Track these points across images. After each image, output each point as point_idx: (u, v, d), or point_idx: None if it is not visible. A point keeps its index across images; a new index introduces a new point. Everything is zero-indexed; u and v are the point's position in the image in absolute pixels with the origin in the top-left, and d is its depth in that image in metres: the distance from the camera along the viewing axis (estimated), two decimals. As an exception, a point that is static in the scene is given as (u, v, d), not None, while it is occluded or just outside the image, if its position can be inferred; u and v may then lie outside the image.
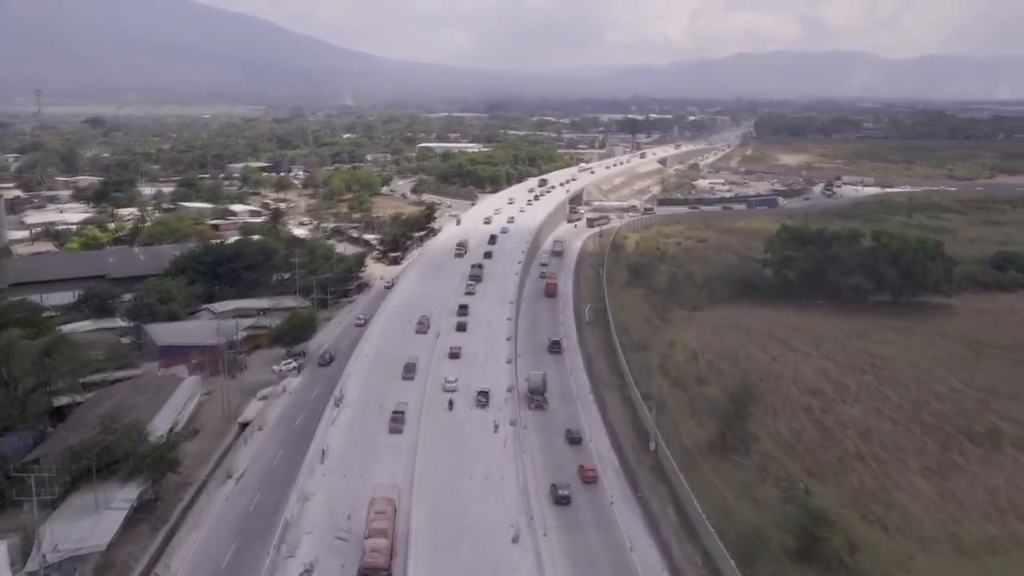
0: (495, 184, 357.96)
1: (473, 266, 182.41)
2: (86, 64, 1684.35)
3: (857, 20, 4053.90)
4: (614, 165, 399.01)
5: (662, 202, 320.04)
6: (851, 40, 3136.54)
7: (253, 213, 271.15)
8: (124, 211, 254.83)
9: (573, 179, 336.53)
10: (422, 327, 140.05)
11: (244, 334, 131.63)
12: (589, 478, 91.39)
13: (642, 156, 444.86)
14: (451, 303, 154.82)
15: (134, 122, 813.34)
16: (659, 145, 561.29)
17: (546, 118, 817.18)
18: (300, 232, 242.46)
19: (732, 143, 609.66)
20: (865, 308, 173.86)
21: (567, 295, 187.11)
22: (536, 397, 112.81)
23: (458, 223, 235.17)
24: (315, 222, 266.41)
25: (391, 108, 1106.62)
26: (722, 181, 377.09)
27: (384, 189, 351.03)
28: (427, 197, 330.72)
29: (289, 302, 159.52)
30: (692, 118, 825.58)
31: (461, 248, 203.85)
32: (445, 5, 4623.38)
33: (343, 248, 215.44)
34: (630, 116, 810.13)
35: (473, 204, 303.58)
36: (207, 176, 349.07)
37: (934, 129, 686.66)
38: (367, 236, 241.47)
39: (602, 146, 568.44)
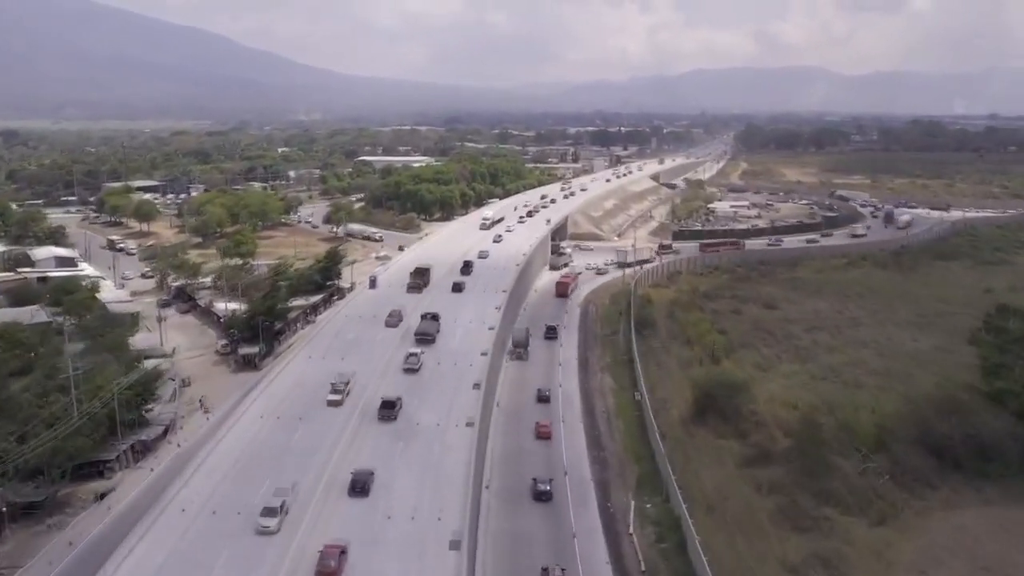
0: (446, 208, 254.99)
1: (383, 406, 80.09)
2: (28, 77, 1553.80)
3: (812, 37, 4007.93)
4: (601, 182, 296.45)
5: (679, 234, 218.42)
6: (806, 56, 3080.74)
7: (62, 261, 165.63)
8: None
9: (551, 201, 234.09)
10: None
11: None
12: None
13: (628, 172, 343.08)
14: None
15: (64, 136, 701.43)
16: (640, 159, 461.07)
17: (509, 131, 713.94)
18: (122, 300, 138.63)
19: (719, 156, 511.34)
20: None
21: (578, 466, 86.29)
22: None
23: (371, 285, 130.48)
24: (160, 275, 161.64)
25: (345, 122, 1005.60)
26: (745, 204, 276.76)
27: (294, 216, 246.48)
28: (351, 229, 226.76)
29: None
30: (668, 130, 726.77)
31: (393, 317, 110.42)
32: (404, 21, 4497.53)
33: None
34: (602, 128, 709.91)
35: (418, 237, 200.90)
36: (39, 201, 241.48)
37: (936, 140, 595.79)
38: (230, 305, 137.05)
39: (576, 159, 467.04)
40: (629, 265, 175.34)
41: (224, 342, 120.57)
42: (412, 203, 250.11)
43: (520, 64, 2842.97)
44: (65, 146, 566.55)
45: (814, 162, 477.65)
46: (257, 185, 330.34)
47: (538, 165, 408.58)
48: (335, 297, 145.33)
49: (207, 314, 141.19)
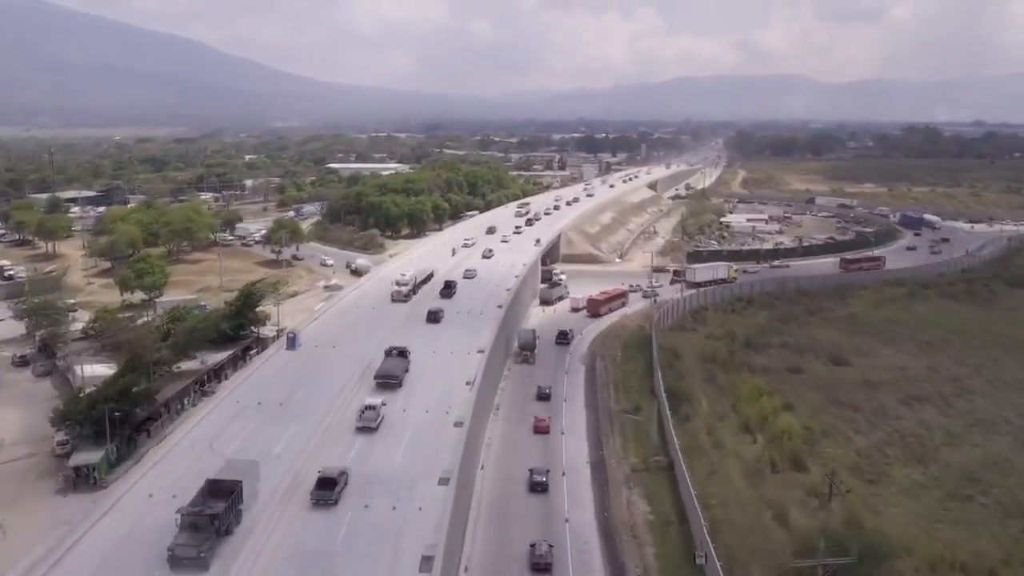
0: (416, 223, 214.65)
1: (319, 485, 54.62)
2: (2, 84, 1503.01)
3: (794, 45, 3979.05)
4: (591, 193, 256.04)
5: (694, 256, 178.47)
6: (788, 64, 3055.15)
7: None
8: None
9: (533, 218, 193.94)
10: None
11: None
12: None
13: (625, 180, 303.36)
14: None
15: (28, 144, 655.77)
16: (631, 166, 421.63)
17: (491, 137, 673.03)
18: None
19: (715, 163, 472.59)
20: None
21: None
22: None
23: (289, 345, 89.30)
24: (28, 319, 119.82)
25: (325, 130, 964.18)
26: (763, 217, 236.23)
27: (236, 233, 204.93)
28: (302, 250, 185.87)
29: None
30: (657, 136, 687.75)
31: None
32: (387, 29, 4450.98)
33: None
34: (589, 134, 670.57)
35: (379, 258, 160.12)
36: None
37: (937, 147, 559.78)
38: (96, 370, 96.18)
39: (562, 167, 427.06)
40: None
41: (61, 438, 79.20)
42: (376, 217, 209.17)
43: (503, 72, 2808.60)
44: (23, 154, 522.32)
45: (816, 169, 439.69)
46: (205, 196, 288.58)
47: (522, 173, 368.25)
48: (252, 352, 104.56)
49: (67, 382, 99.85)
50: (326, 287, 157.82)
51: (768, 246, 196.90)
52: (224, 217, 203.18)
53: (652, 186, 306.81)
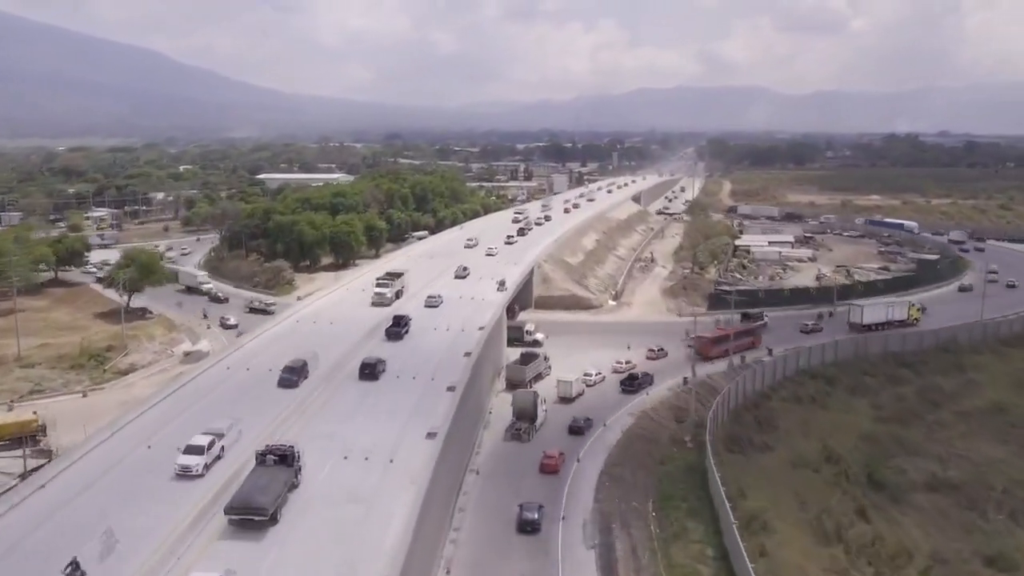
0: (344, 250, 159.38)
1: None
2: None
3: (754, 57, 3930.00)
4: (571, 207, 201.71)
5: (716, 298, 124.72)
6: (749, 76, 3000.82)
7: None
8: None
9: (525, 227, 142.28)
10: None
11: None
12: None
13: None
14: None
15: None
16: (604, 176, 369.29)
17: (451, 146, 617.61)
18: None
19: (694, 172, 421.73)
20: None
21: None
22: None
23: None
24: None
25: (283, 140, 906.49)
26: (788, 239, 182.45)
27: (84, 268, 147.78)
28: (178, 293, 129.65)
29: None
30: (628, 144, 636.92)
31: None
32: (348, 40, 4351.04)
33: None
34: (554, 142, 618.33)
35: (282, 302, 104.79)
36: None
37: (926, 156, 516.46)
38: None
39: (528, 177, 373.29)
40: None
41: None
42: (286, 243, 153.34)
43: (465, 84, 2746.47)
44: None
45: (805, 179, 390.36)
46: (99, 212, 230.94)
47: (483, 184, 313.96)
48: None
49: None
50: (187, 354, 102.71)
51: (806, 280, 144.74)
52: (67, 246, 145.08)
53: (636, 199, 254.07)
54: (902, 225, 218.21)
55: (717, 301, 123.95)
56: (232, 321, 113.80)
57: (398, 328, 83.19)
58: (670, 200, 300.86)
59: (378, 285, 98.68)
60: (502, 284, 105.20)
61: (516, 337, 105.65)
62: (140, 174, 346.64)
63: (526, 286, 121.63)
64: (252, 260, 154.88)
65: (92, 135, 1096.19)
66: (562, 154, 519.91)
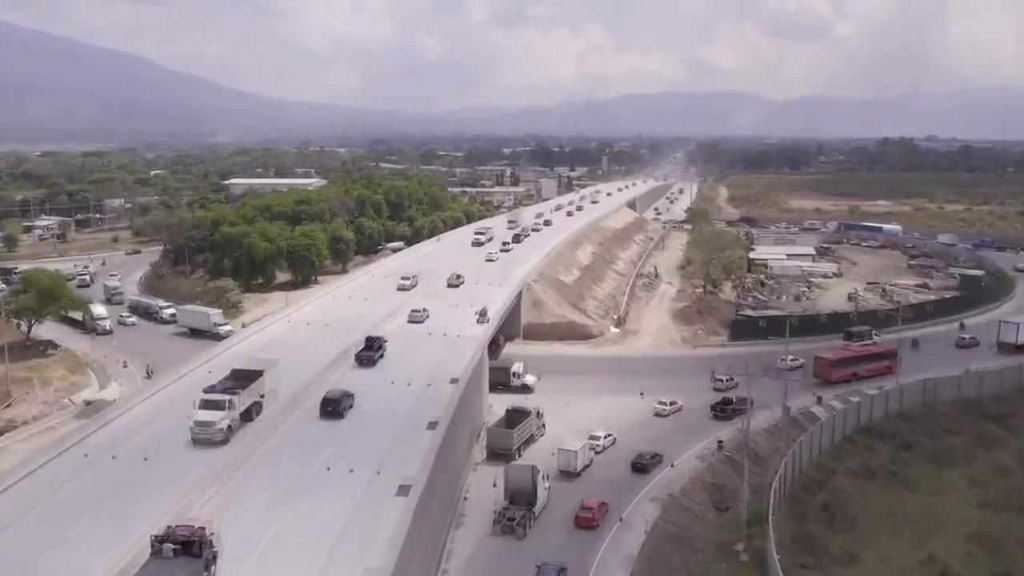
0: (302, 266, 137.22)
1: None
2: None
3: (740, 62, 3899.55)
4: (559, 213, 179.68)
5: (742, 326, 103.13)
6: (734, 81, 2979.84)
7: None
8: None
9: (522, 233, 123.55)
10: None
11: None
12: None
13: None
14: None
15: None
16: (596, 181, 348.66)
17: (435, 150, 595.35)
18: None
19: (687, 177, 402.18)
20: None
21: None
22: None
23: None
24: None
25: (266, 144, 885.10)
26: (808, 251, 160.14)
27: None
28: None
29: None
30: (618, 148, 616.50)
31: None
32: (334, 45, 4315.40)
33: None
34: (542, 146, 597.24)
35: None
36: None
37: (924, 160, 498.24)
38: None
39: (515, 182, 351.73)
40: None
41: None
42: (236, 257, 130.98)
43: (451, 89, 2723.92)
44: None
45: (803, 184, 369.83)
46: (47, 221, 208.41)
47: (466, 190, 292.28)
48: None
49: None
50: (87, 403, 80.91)
51: (837, 300, 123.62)
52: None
53: (631, 205, 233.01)
54: (881, 228, 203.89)
55: (741, 329, 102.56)
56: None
57: (370, 353, 68.93)
58: (669, 203, 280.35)
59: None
60: (483, 315, 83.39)
61: (501, 381, 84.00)
62: (105, 179, 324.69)
63: (513, 312, 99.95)
64: (197, 278, 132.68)
65: (73, 140, 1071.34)
66: (550, 158, 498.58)
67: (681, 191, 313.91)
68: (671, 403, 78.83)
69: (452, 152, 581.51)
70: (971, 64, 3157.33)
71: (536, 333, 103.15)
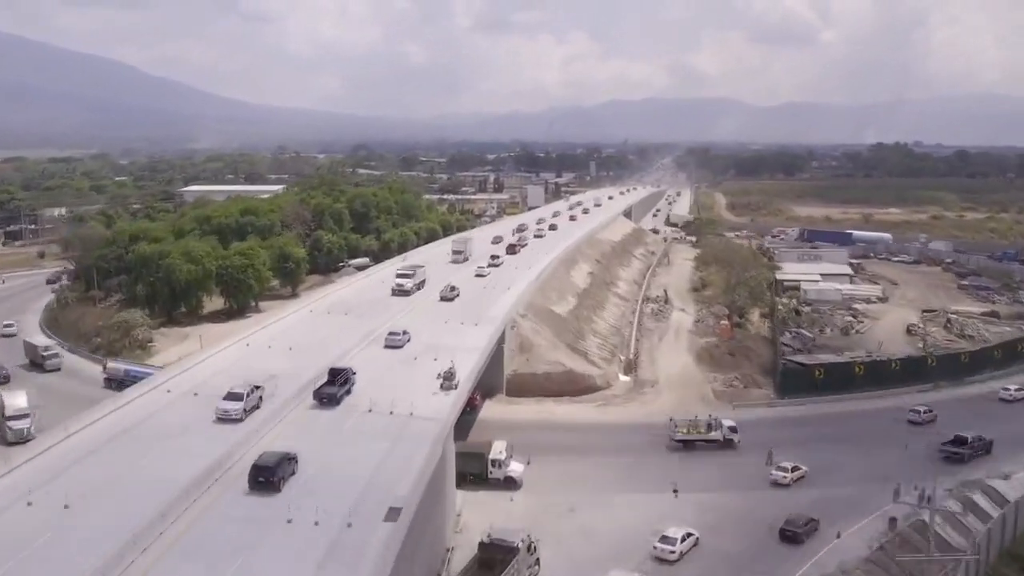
0: (238, 291, 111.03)
1: None
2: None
3: (725, 68, 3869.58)
4: (548, 227, 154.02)
5: (794, 374, 77.90)
6: (720, 87, 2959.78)
7: None
8: None
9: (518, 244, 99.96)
10: None
11: None
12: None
13: (584, 208, 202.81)
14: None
15: None
16: (585, 187, 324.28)
17: (417, 156, 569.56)
18: None
19: (678, 183, 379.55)
20: None
21: None
22: None
23: None
24: None
25: (246, 150, 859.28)
26: (843, 270, 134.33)
27: None
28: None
29: None
30: (607, 154, 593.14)
31: None
32: (319, 51, 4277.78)
33: None
34: (529, 150, 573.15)
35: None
36: None
37: (922, 165, 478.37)
38: None
39: (499, 188, 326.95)
40: None
41: None
42: (152, 282, 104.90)
43: (436, 95, 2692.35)
44: None
45: (804, 190, 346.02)
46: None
47: (445, 197, 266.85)
48: None
49: None
50: None
51: (892, 333, 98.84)
52: None
53: (627, 214, 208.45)
54: (851, 235, 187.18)
55: (792, 380, 77.58)
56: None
57: (333, 388, 53.31)
58: (667, 209, 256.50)
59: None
60: (448, 379, 57.72)
61: (474, 471, 58.83)
62: (59, 186, 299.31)
63: (495, 359, 74.67)
64: (105, 307, 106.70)
65: (51, 146, 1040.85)
66: (535, 163, 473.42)
67: (677, 195, 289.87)
68: (685, 536, 51.50)
69: (435, 158, 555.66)
70: (955, 70, 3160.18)
71: (524, 387, 77.97)
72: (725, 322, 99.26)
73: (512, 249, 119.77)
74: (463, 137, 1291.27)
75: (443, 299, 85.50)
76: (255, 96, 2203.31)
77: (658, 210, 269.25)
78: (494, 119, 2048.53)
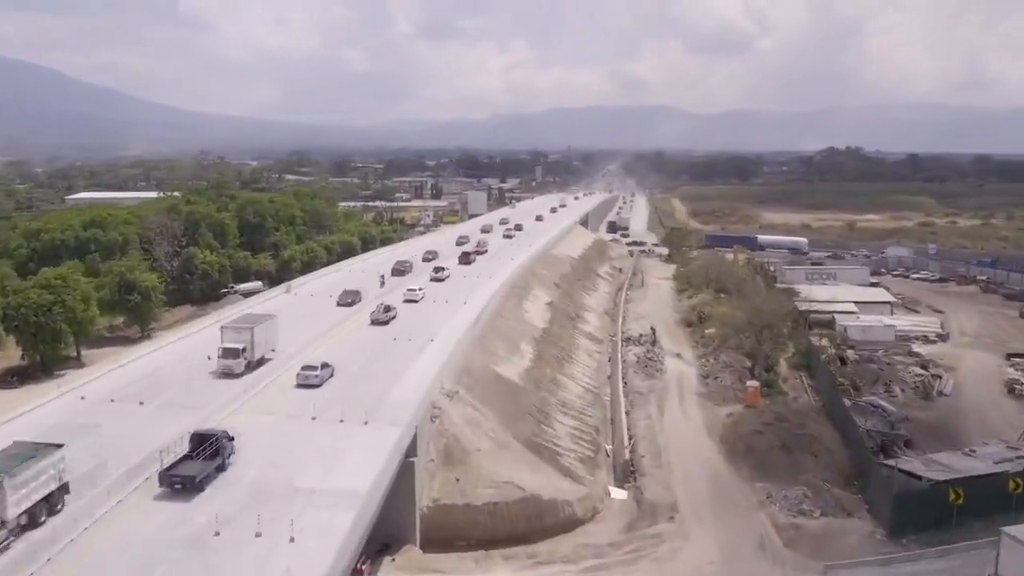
0: (45, 339, 74.36)
1: None
2: None
3: (664, 76, 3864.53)
4: (500, 233, 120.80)
5: (902, 506, 45.04)
6: (659, 95, 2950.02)
7: None
8: None
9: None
10: None
11: None
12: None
13: (538, 217, 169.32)
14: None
15: None
16: (531, 193, 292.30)
17: (353, 162, 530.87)
18: None
19: (625, 188, 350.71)
20: None
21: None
22: None
23: None
24: None
25: (177, 157, 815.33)
26: (884, 297, 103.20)
27: None
28: None
29: None
30: (553, 159, 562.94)
31: None
32: (257, 58, 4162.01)
33: None
34: (469, 155, 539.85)
35: None
36: None
37: (878, 169, 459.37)
38: None
39: (437, 195, 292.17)
40: None
41: None
42: None
43: (377, 102, 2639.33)
44: None
45: (766, 196, 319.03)
46: None
47: (370, 204, 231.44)
48: None
49: None
50: None
51: (986, 394, 67.40)
52: None
53: (583, 223, 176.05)
54: (755, 240, 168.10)
55: (908, 508, 44.85)
56: None
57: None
58: (615, 216, 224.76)
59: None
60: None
61: None
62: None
63: (399, 486, 40.63)
64: None
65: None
66: (478, 168, 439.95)
67: (632, 195, 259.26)
68: None
69: (372, 164, 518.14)
70: (887, 79, 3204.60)
71: (452, 529, 43.88)
72: (753, 383, 66.46)
73: (467, 258, 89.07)
74: (405, 144, 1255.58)
75: (301, 385, 50.52)
76: (190, 103, 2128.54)
77: (624, 210, 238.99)
78: (437, 126, 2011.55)
